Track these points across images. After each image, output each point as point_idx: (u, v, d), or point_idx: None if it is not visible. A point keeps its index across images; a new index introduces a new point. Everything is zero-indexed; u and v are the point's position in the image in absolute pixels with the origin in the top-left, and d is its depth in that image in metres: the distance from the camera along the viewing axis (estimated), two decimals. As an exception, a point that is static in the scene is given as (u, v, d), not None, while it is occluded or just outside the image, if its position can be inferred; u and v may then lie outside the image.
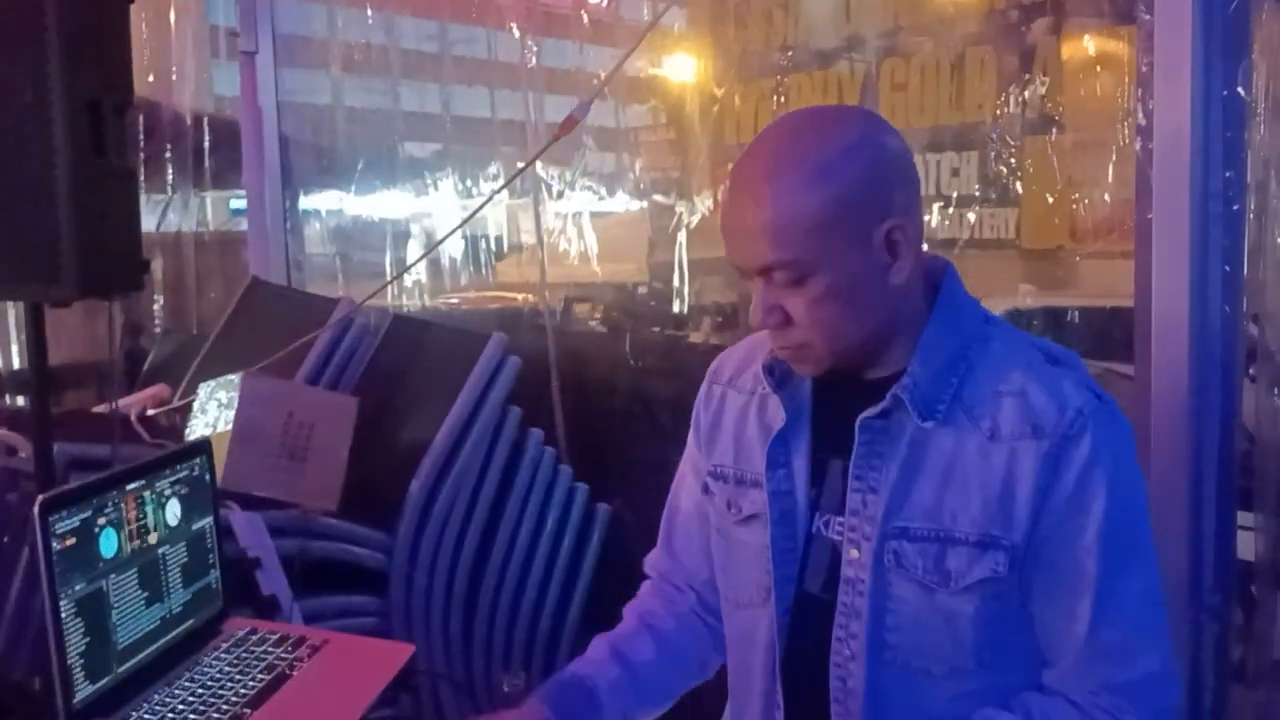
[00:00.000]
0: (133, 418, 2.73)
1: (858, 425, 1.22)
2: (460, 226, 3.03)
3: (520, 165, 2.88)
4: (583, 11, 3.07)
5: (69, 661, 1.24)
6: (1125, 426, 1.21)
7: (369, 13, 3.56)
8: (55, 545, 1.23)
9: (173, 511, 1.46)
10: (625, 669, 1.38)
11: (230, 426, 2.35)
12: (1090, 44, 2.28)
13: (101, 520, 1.31)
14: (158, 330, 3.77)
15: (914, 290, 1.22)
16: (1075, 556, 1.16)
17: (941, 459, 1.19)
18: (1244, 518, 1.81)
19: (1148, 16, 1.78)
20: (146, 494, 1.41)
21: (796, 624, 1.28)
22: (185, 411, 2.75)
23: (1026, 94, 2.34)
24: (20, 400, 3.50)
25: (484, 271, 3.59)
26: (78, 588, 1.27)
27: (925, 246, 1.26)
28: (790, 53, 2.85)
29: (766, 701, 1.32)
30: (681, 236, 3.00)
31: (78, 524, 1.27)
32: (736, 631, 1.38)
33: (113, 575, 1.33)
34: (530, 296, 3.34)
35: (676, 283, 3.00)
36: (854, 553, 1.22)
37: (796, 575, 1.28)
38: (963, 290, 1.26)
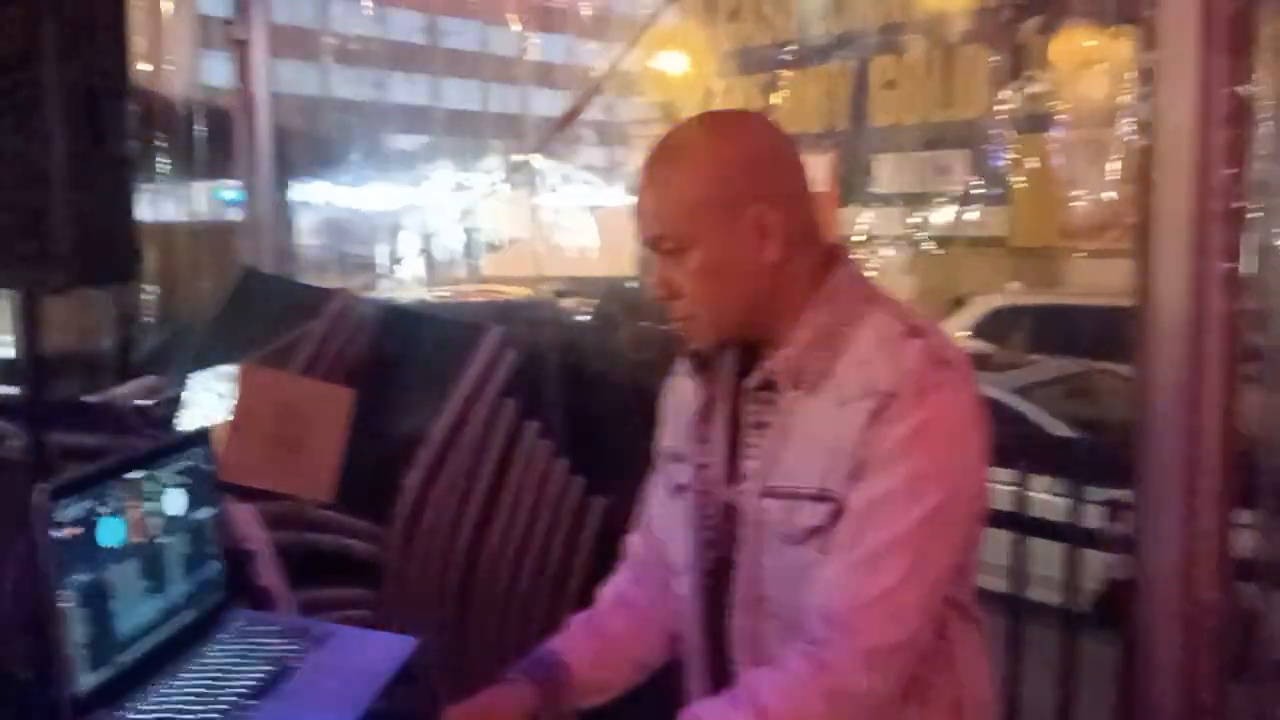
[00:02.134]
0: (125, 408, 2.71)
1: (745, 396, 1.36)
2: (460, 219, 3.02)
3: (518, 158, 2.87)
4: (584, 6, 3.07)
5: (71, 652, 1.23)
6: (962, 395, 1.29)
7: (364, 4, 3.55)
8: (57, 534, 1.22)
9: (174, 501, 1.45)
10: (598, 641, 1.50)
11: (225, 417, 2.33)
12: (1082, 43, 2.29)
13: (104, 509, 1.30)
14: (148, 320, 3.74)
15: (800, 274, 1.35)
16: (857, 498, 1.25)
17: (805, 425, 1.31)
18: (1242, 515, 1.81)
19: (1149, 14, 1.79)
20: (148, 483, 1.40)
21: (716, 585, 1.40)
22: (178, 401, 2.73)
23: (1018, 92, 2.35)
24: (10, 389, 3.47)
25: (478, 264, 3.59)
26: (80, 577, 1.26)
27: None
28: (782, 48, 2.85)
29: (699, 658, 1.44)
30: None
31: (81, 513, 1.26)
32: (677, 597, 1.49)
33: (115, 565, 1.32)
34: (526, 290, 3.33)
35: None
36: (745, 514, 1.35)
37: (715, 540, 1.40)
38: (852, 274, 1.38)
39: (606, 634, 1.51)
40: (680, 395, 1.51)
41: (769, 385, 1.34)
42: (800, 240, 1.34)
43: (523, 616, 2.74)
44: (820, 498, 1.28)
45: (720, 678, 1.40)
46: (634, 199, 1.38)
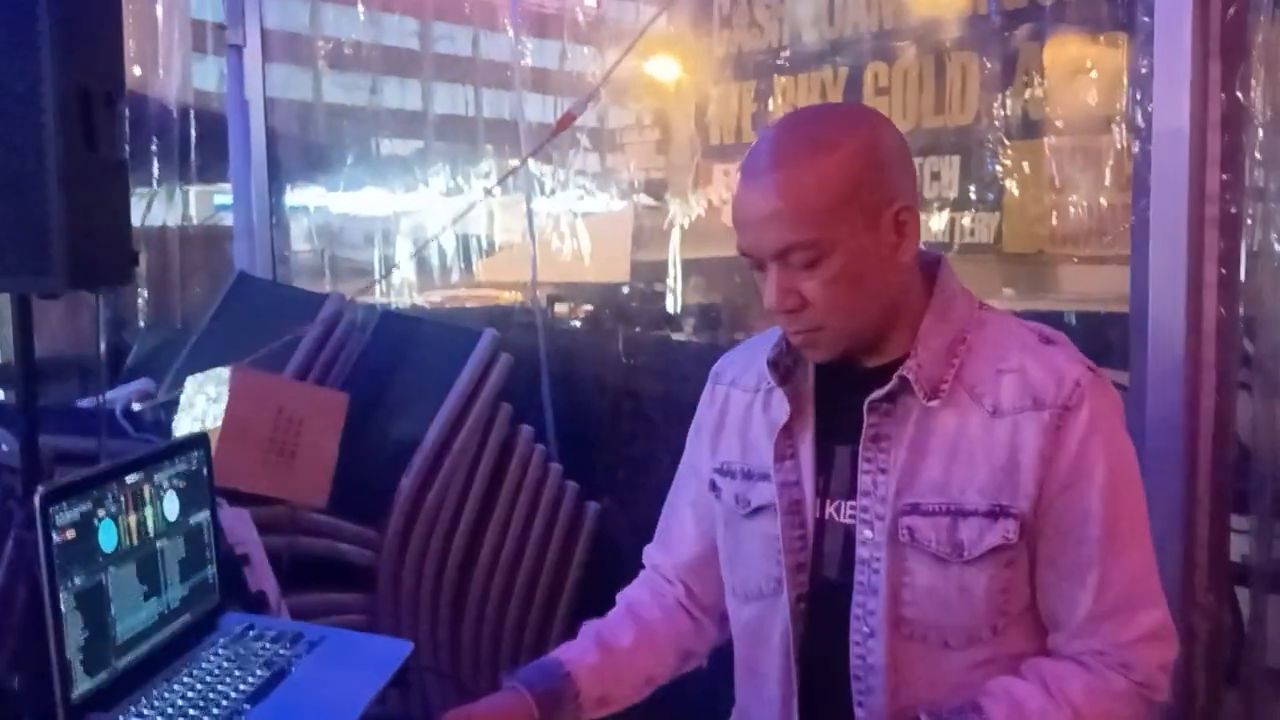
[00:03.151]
0: (118, 412, 2.70)
1: (865, 408, 1.26)
2: (454, 223, 3.02)
3: (514, 163, 2.88)
4: (578, 11, 3.07)
5: (68, 655, 1.22)
6: (1117, 397, 1.28)
7: (360, 9, 3.54)
8: (55, 538, 1.21)
9: (171, 505, 1.44)
10: (605, 653, 1.42)
11: (218, 421, 2.33)
12: (1074, 49, 2.29)
13: (101, 513, 1.30)
14: (141, 324, 3.73)
15: (913, 279, 1.29)
16: (1080, 522, 1.23)
17: (947, 437, 1.24)
18: (1238, 521, 1.82)
19: (1146, 19, 1.79)
20: (145, 487, 1.39)
21: (812, 610, 1.31)
22: (170, 406, 2.72)
23: (1010, 98, 2.35)
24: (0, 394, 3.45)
25: (473, 270, 3.58)
26: (77, 581, 1.25)
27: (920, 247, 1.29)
28: (775, 55, 2.85)
29: (783, 689, 1.34)
30: (675, 236, 3.00)
31: (78, 517, 1.25)
32: (746, 625, 1.40)
33: (112, 569, 1.31)
34: (519, 295, 3.33)
35: (671, 282, 3.00)
36: (867, 533, 1.26)
37: (809, 562, 1.31)
38: (956, 280, 1.32)
39: (614, 647, 1.44)
40: (735, 409, 1.42)
41: (891, 396, 1.26)
42: (919, 240, 1.27)
43: (517, 621, 2.74)
44: (994, 513, 1.22)
45: (815, 708, 1.32)
46: (744, 207, 1.24)
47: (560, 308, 3.53)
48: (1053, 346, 1.27)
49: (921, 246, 1.30)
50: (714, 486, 1.43)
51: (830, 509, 1.31)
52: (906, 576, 1.25)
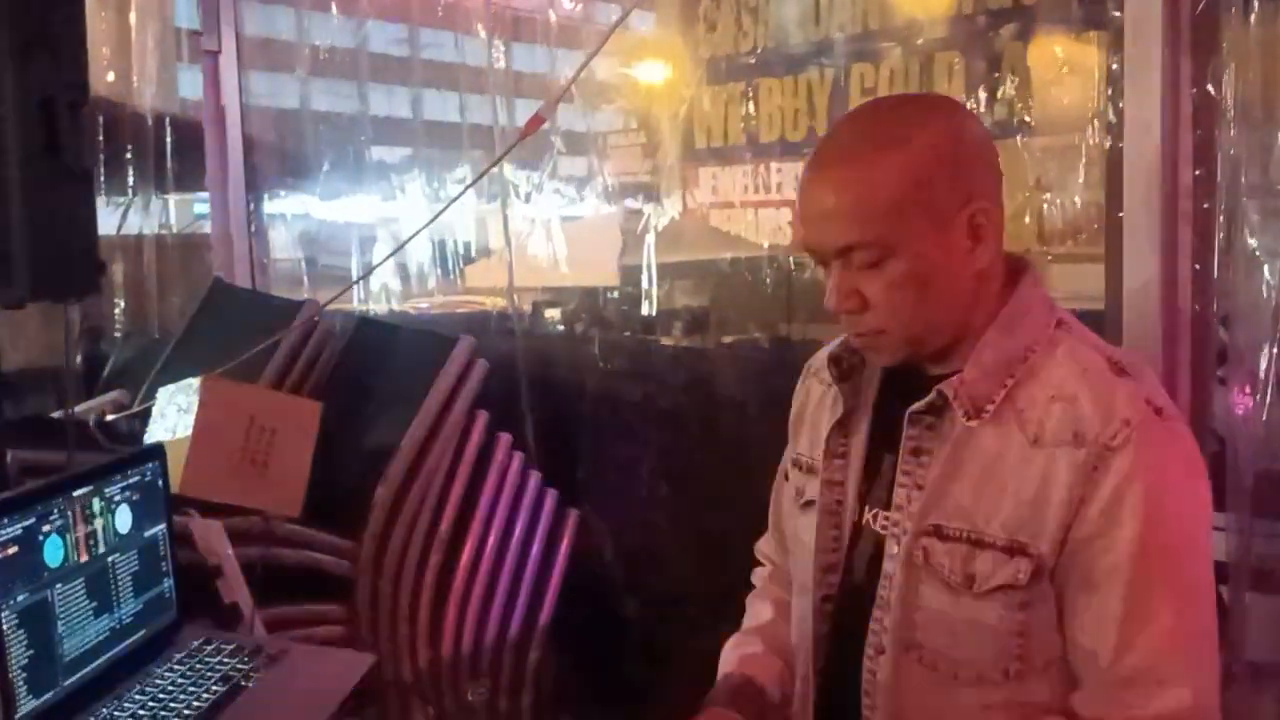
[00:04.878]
0: (90, 423, 2.67)
1: (906, 419, 1.21)
2: (425, 227, 3.00)
3: (485, 167, 2.85)
4: (551, 12, 3.05)
5: (10, 675, 1.19)
6: (1183, 446, 1.17)
7: (334, 15, 3.52)
8: (-4, 554, 1.19)
9: (123, 518, 1.42)
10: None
11: (190, 431, 2.30)
12: (1058, 49, 2.29)
13: (46, 527, 1.27)
14: (118, 334, 3.70)
15: (990, 286, 1.22)
16: (1106, 577, 1.13)
17: (982, 459, 1.18)
18: (1215, 518, 1.80)
19: (1117, 14, 1.78)
20: (95, 500, 1.36)
21: (840, 613, 1.29)
22: (145, 417, 2.69)
23: (994, 98, 2.34)
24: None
25: (452, 276, 3.55)
26: (20, 598, 1.22)
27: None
28: (760, 57, 2.85)
29: (804, 685, 1.33)
30: (650, 239, 2.98)
31: (20, 531, 1.23)
32: (796, 615, 1.38)
33: (59, 585, 1.29)
34: (499, 301, 3.31)
35: (646, 285, 2.98)
36: (894, 548, 1.22)
37: (842, 565, 1.28)
38: (1040, 292, 1.25)
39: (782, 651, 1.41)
40: (812, 400, 1.40)
41: (935, 409, 1.20)
42: (998, 245, 1.20)
43: (498, 630, 2.71)
44: (1011, 550, 1.14)
45: (832, 710, 1.29)
46: (809, 200, 1.18)
47: (551, 313, 3.51)
48: (1124, 380, 1.16)
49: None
50: (786, 476, 1.43)
51: (868, 515, 1.27)
52: (920, 600, 1.20)
